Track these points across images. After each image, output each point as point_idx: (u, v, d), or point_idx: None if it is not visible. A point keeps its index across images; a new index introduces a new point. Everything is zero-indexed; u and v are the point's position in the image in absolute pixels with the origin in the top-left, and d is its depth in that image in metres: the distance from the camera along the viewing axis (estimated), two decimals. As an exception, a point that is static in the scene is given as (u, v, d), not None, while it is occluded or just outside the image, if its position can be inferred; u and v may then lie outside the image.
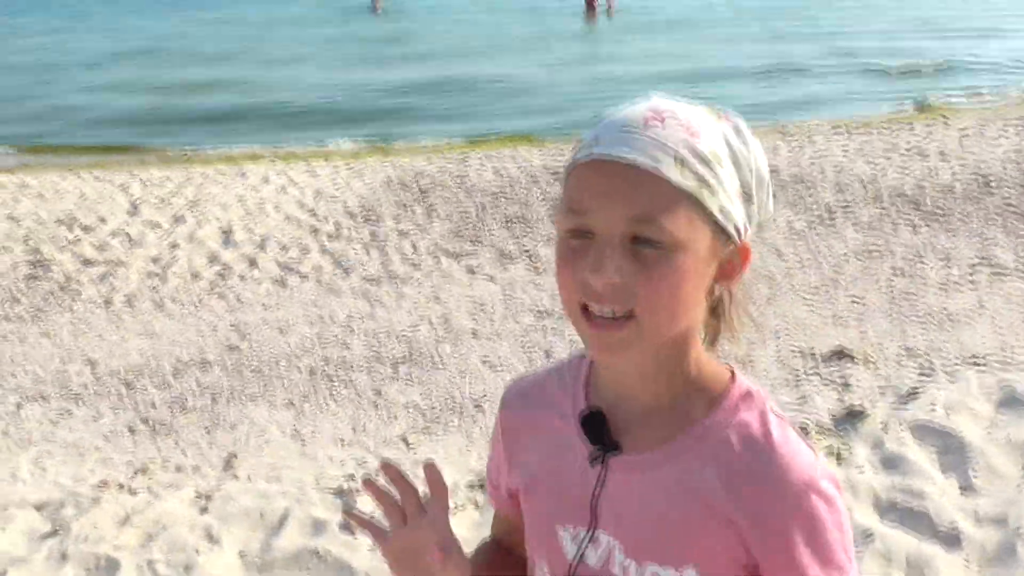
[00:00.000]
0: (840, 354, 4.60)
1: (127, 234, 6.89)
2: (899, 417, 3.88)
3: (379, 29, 24.37)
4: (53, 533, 3.21)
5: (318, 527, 3.16)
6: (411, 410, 4.17)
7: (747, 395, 1.03)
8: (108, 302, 5.68)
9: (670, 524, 1.01)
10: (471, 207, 7.33)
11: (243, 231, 6.83)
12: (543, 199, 7.47)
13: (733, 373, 1.05)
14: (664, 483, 1.01)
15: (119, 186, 8.40)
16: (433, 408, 4.17)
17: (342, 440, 3.97)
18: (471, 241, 6.57)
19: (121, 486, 3.53)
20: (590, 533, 1.05)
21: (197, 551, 3.06)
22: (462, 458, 3.72)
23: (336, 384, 4.45)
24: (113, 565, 3.00)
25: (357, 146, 11.21)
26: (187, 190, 8.05)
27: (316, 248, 6.50)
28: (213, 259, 6.38)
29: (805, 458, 1.00)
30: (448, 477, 1.89)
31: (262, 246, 6.53)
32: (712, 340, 1.05)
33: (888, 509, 3.22)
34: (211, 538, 3.15)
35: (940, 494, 3.25)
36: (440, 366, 4.61)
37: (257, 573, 2.99)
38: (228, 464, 3.71)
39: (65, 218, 7.33)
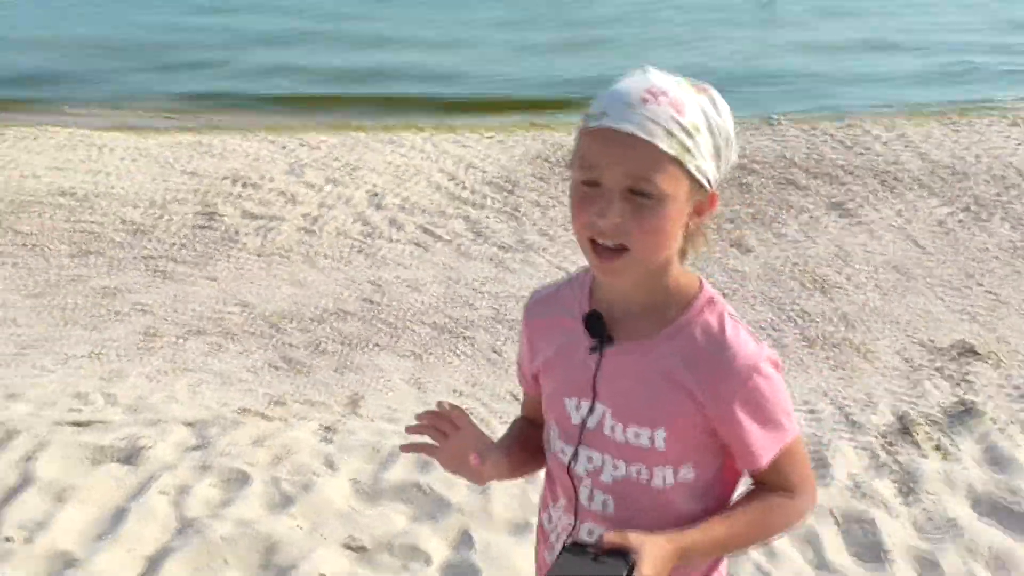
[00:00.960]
0: (965, 350, 4.50)
1: (287, 192, 7.44)
2: (1017, 418, 3.80)
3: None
4: (198, 447, 3.64)
5: (424, 465, 3.44)
6: (468, 375, 4.42)
7: (710, 301, 1.32)
8: (264, 253, 6.20)
9: (647, 397, 1.31)
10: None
11: (391, 195, 7.24)
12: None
13: (701, 282, 1.33)
14: (645, 367, 1.32)
15: (284, 149, 9.03)
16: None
17: (458, 391, 4.25)
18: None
19: (259, 414, 3.94)
20: (590, 404, 1.35)
21: (316, 475, 3.41)
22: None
23: (458, 340, 4.74)
24: (245, 478, 3.39)
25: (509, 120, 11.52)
26: (345, 155, 8.58)
27: (454, 214, 6.83)
28: (361, 219, 6.81)
29: (750, 348, 1.30)
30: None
31: (404, 209, 6.92)
32: (682, 256, 1.33)
33: (982, 504, 3.20)
34: (330, 465, 3.49)
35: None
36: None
37: (366, 500, 3.30)
38: (352, 403, 4.05)
39: (234, 175, 7.98)
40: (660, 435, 1.31)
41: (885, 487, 3.32)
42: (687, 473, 1.34)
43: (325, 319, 5.06)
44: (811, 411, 3.94)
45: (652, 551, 1.22)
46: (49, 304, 5.41)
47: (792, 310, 5.05)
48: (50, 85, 15.14)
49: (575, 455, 1.37)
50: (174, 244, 6.42)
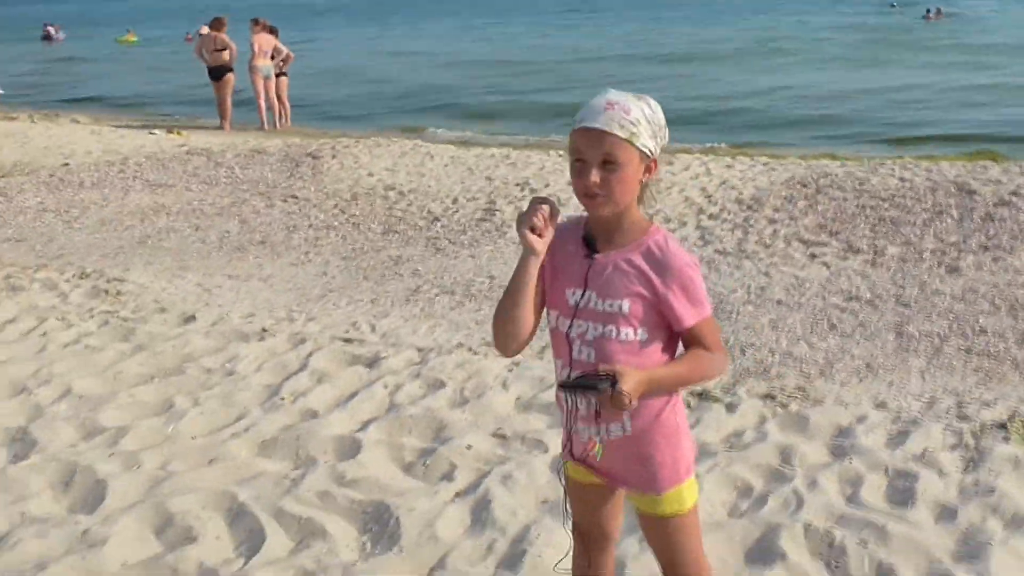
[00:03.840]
0: None
1: (558, 197, 8.68)
2: None
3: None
4: (419, 363, 4.92)
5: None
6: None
7: (658, 230, 2.17)
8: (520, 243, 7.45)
9: (618, 282, 2.12)
10: (851, 207, 7.85)
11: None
12: (928, 208, 7.69)
13: (651, 221, 2.17)
14: (618, 265, 2.13)
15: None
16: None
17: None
18: (829, 233, 7.19)
19: (469, 349, 5.14)
20: (582, 290, 2.16)
21: (491, 389, 4.53)
22: (719, 376, 4.68)
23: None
24: (442, 384, 4.60)
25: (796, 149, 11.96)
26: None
27: (692, 223, 7.65)
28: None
29: (684, 255, 2.13)
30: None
31: (650, 217, 7.84)
32: (640, 202, 2.15)
33: (1038, 485, 3.53)
34: (503, 385, 4.59)
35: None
36: (732, 319, 5.53)
37: (520, 410, 4.35)
38: (542, 351, 5.09)
39: (522, 182, 9.40)
40: (626, 304, 2.10)
41: (950, 459, 3.75)
42: (642, 334, 2.12)
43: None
44: (930, 402, 4.34)
45: (629, 376, 2.02)
46: (354, 264, 7.10)
47: (969, 326, 5.30)
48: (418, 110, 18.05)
49: (570, 325, 2.18)
50: (455, 229, 7.92)
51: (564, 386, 2.11)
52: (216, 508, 3.54)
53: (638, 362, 2.09)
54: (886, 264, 6.48)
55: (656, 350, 2.14)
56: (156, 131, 14.77)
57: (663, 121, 2.12)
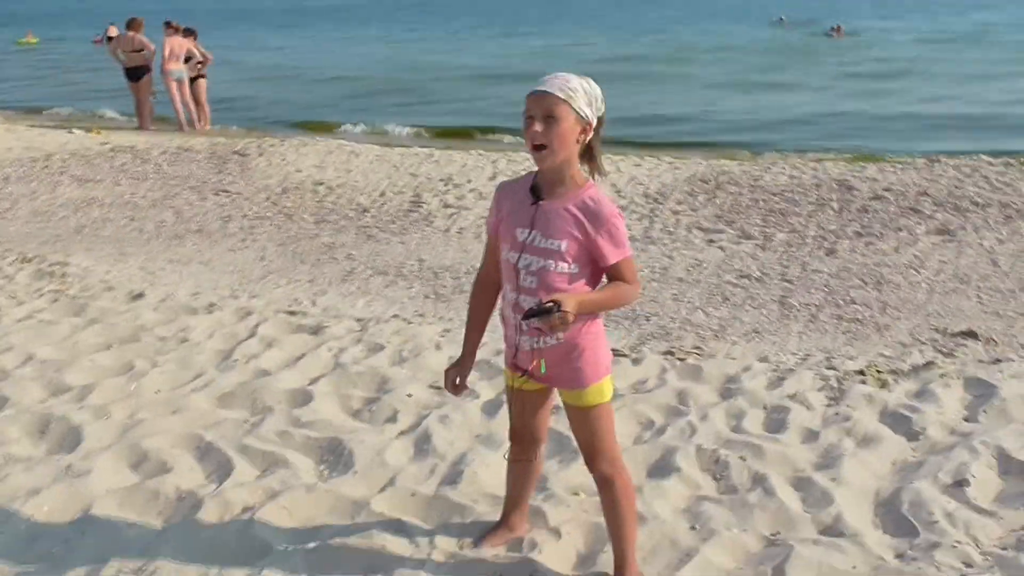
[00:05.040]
0: (967, 333, 5.37)
1: (480, 191, 9.27)
2: (965, 373, 4.69)
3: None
4: (359, 331, 5.42)
5: (499, 350, 4.97)
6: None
7: (594, 186, 2.69)
8: (447, 231, 8.02)
9: (558, 225, 2.63)
10: (746, 200, 8.66)
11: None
12: (812, 201, 8.54)
13: (589, 180, 2.70)
14: (558, 211, 2.64)
15: (492, 162, 10.94)
16: (616, 314, 5.79)
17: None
18: (726, 223, 7.96)
19: (404, 319, 5.67)
20: (529, 229, 2.69)
21: (426, 350, 5.07)
22: (626, 337, 5.32)
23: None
24: (383, 347, 5.11)
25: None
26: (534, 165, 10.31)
27: (603, 214, 8.34)
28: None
29: (611, 206, 2.66)
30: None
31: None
32: (582, 163, 2.69)
33: (887, 415, 4.25)
34: (438, 347, 5.13)
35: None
36: (641, 295, 6.21)
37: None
38: (468, 319, 5.66)
39: (445, 178, 9.96)
40: (563, 244, 2.62)
41: (817, 398, 4.45)
42: (575, 268, 2.64)
43: (472, 272, 6.73)
44: (804, 357, 5.07)
45: (569, 299, 2.57)
46: (290, 250, 7.54)
47: (841, 297, 6.08)
48: (328, 110, 18.37)
49: (519, 258, 2.69)
50: (384, 219, 8.44)
51: (526, 316, 2.66)
52: (186, 447, 3.98)
53: (570, 289, 2.66)
54: (774, 248, 7.26)
55: (585, 281, 2.71)
56: (75, 130, 14.81)
57: (599, 94, 2.66)
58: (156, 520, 3.43)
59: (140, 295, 6.10)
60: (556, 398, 2.99)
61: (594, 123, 2.63)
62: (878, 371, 4.76)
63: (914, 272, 6.59)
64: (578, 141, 2.62)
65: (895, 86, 20.78)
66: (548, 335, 2.71)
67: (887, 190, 8.85)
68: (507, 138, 14.29)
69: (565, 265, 2.67)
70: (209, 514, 3.42)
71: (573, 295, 2.60)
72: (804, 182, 9.30)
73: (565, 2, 70.20)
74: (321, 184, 9.93)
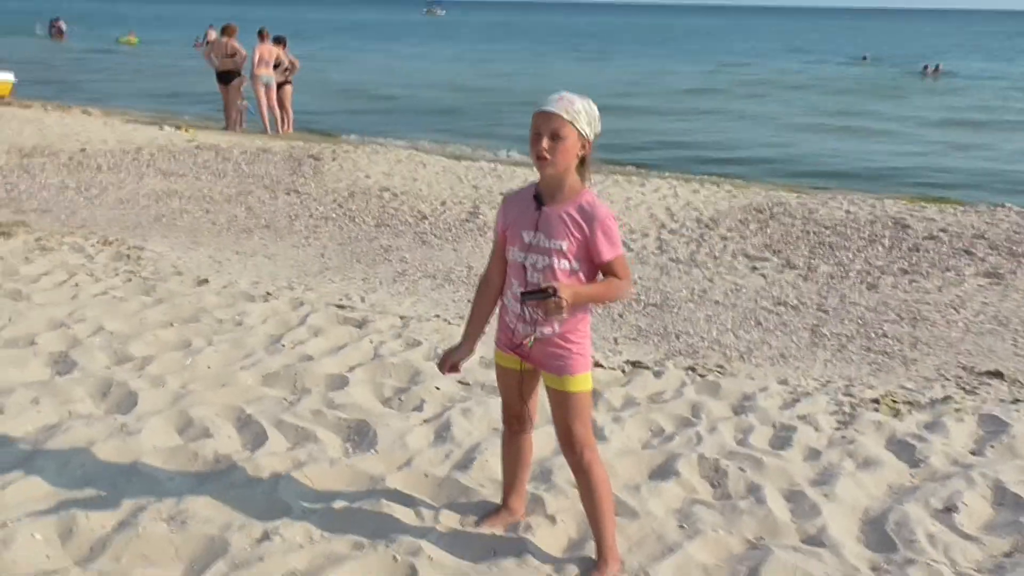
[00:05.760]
0: (994, 373, 5.44)
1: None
2: (981, 410, 4.78)
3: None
4: (401, 327, 5.75)
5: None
6: (635, 328, 6.07)
7: (590, 192, 3.00)
8: (501, 242, 8.34)
9: (559, 227, 2.95)
10: (797, 231, 8.77)
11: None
12: (864, 237, 8.60)
13: (586, 187, 3.00)
14: (560, 215, 2.95)
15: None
16: (647, 330, 6.02)
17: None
18: (773, 252, 8.09)
19: (447, 320, 5.98)
20: (534, 232, 3.02)
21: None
22: (654, 352, 5.53)
23: (600, 309, 6.49)
24: (419, 343, 5.42)
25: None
26: (595, 187, 10.58)
27: (653, 235, 8.54)
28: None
29: (606, 209, 2.96)
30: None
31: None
32: (579, 173, 2.99)
33: (894, 443, 4.38)
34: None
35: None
36: (673, 312, 6.40)
37: (486, 366, 5.18)
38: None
39: (506, 192, 10.28)
40: (565, 244, 2.92)
41: (827, 420, 4.60)
42: (575, 265, 2.97)
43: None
44: (825, 383, 5.21)
45: (565, 288, 2.89)
46: (348, 250, 7.95)
47: (874, 330, 6.18)
48: (411, 119, 18.95)
49: (525, 257, 3.04)
50: (441, 227, 8.80)
51: (524, 295, 2.95)
52: (227, 417, 4.35)
53: (570, 283, 2.94)
54: (816, 279, 7.38)
55: (583, 277, 3.00)
56: (167, 127, 15.61)
57: (597, 115, 2.98)
58: (193, 476, 3.78)
59: (205, 281, 6.54)
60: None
61: (592, 140, 2.93)
62: (893, 401, 4.88)
63: (953, 311, 6.65)
64: (577, 155, 2.93)
65: (983, 138, 20.10)
66: (543, 320, 2.99)
67: (943, 231, 8.86)
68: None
69: (567, 262, 2.96)
70: (240, 475, 3.76)
71: (570, 286, 2.89)
72: (859, 218, 9.36)
73: (660, 29, 70.26)
74: (387, 190, 10.36)
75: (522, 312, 3.03)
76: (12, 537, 3.16)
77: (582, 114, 2.87)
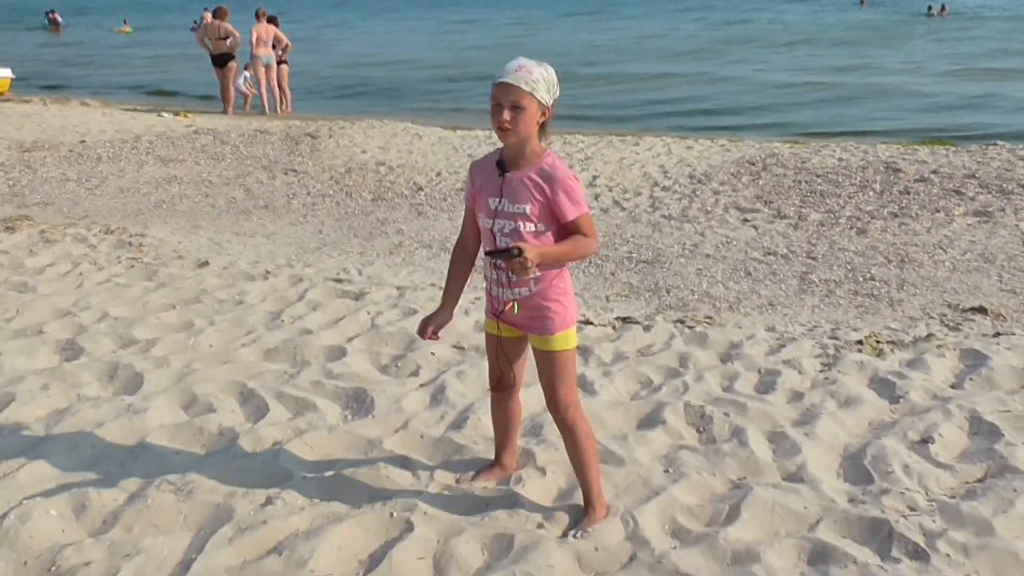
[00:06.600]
0: (978, 309, 5.54)
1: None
2: (963, 344, 4.90)
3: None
4: (397, 297, 5.89)
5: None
6: (626, 285, 6.20)
7: (550, 155, 3.09)
8: (495, 208, 8.47)
9: (522, 191, 3.04)
10: (789, 181, 8.84)
11: (604, 178, 9.19)
12: (855, 183, 8.67)
13: (546, 150, 3.10)
14: (522, 180, 3.04)
15: (548, 144, 11.30)
16: (639, 287, 6.14)
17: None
18: (764, 203, 8.18)
19: (441, 288, 6.11)
20: (499, 198, 3.13)
21: (455, 316, 5.49)
22: (644, 307, 5.66)
23: (592, 264, 6.61)
24: (415, 312, 5.57)
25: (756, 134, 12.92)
26: (589, 150, 10.65)
27: (646, 194, 8.63)
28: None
29: (566, 169, 3.04)
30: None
31: (610, 188, 8.83)
32: (541, 137, 3.09)
33: (876, 382, 4.51)
34: (466, 313, 5.56)
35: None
36: (664, 268, 6.52)
37: (480, 331, 5.32)
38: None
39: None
40: (528, 207, 2.99)
41: (811, 363, 4.73)
42: (541, 227, 3.06)
43: (513, 248, 7.17)
44: (811, 328, 5.33)
45: (530, 248, 3.00)
46: (346, 225, 8.09)
47: (862, 274, 6.29)
48: (400, 94, 18.99)
49: (492, 223, 3.19)
50: (437, 197, 8.92)
51: (489, 253, 3.08)
52: (230, 392, 4.51)
53: (537, 243, 3.06)
54: (806, 227, 7.47)
55: (550, 238, 3.10)
56: (164, 113, 15.72)
57: (555, 80, 3.05)
58: (199, 450, 3.95)
59: (205, 263, 6.70)
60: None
61: (551, 106, 3.02)
62: (876, 341, 5.00)
63: (941, 251, 6.74)
64: (538, 122, 3.02)
65: (1004, 87, 19.43)
66: (516, 281, 3.11)
67: (934, 172, 8.91)
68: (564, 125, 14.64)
69: (531, 225, 3.06)
70: (243, 446, 3.93)
71: (535, 246, 3.00)
72: (851, 164, 9.41)
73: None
74: (383, 164, 10.47)
75: (497, 276, 3.15)
76: (28, 514, 3.34)
77: (540, 83, 2.94)
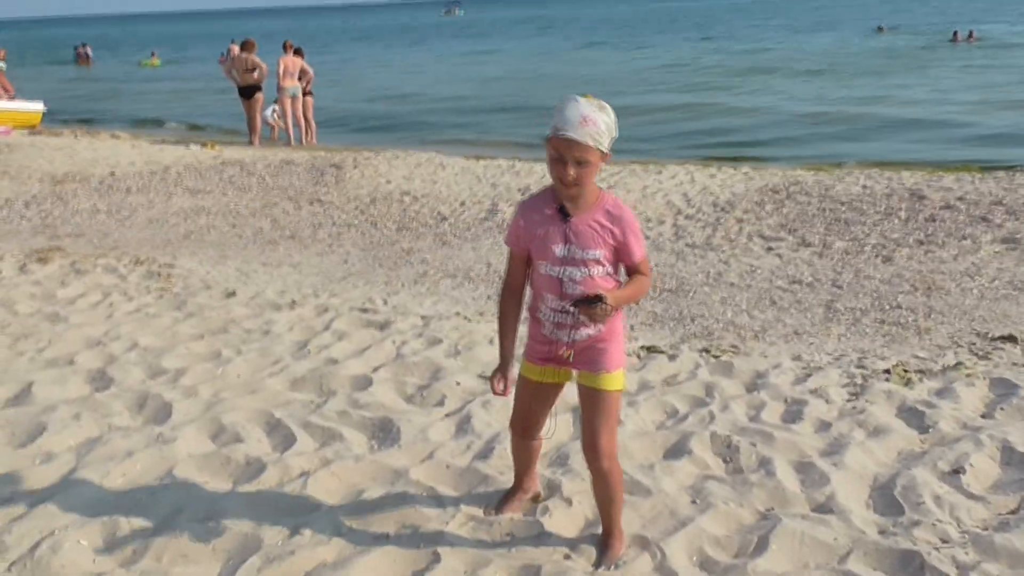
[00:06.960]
0: (1007, 338, 5.49)
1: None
2: (992, 373, 4.86)
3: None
4: (422, 327, 5.92)
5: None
6: (651, 314, 6.19)
7: (607, 194, 3.08)
8: (519, 238, 8.50)
9: (591, 235, 3.03)
10: (813, 209, 8.82)
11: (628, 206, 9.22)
12: (880, 211, 8.63)
13: (602, 190, 3.08)
14: (589, 224, 3.00)
15: (572, 173, 11.36)
16: (663, 316, 6.13)
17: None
18: (788, 231, 8.16)
19: (465, 317, 6.15)
20: (566, 245, 3.09)
21: (479, 345, 5.52)
22: (669, 336, 5.66)
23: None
24: (440, 341, 5.59)
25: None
26: (612, 179, 10.69)
27: (669, 222, 8.64)
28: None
29: (629, 211, 3.05)
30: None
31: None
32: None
33: (904, 411, 4.47)
34: (491, 343, 5.57)
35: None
36: (688, 296, 6.51)
37: (503, 360, 5.33)
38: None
39: (524, 188, 10.43)
40: (600, 252, 2.97)
41: (838, 393, 4.70)
42: (609, 269, 3.06)
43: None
44: (838, 357, 5.30)
45: (611, 295, 3.00)
46: (371, 255, 8.15)
47: (888, 302, 6.25)
48: (424, 125, 19.19)
49: (561, 271, 3.03)
50: (461, 227, 8.97)
51: (576, 304, 3.04)
52: (257, 422, 4.55)
53: (610, 287, 3.05)
54: (831, 255, 7.44)
55: (612, 279, 3.10)
56: (192, 145, 15.96)
57: (614, 121, 2.99)
58: (226, 480, 3.98)
59: (233, 293, 6.77)
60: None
61: (610, 149, 2.97)
62: (904, 370, 4.97)
63: (968, 279, 6.69)
64: (599, 168, 2.99)
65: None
66: (588, 325, 3.09)
67: (960, 199, 8.86)
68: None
69: (601, 269, 3.04)
70: (270, 476, 3.95)
71: (611, 291, 2.99)
72: (875, 192, 9.38)
73: (669, 13, 70.07)
74: (407, 194, 10.56)
75: (560, 320, 3.10)
76: (60, 544, 3.37)
77: (604, 133, 2.87)
